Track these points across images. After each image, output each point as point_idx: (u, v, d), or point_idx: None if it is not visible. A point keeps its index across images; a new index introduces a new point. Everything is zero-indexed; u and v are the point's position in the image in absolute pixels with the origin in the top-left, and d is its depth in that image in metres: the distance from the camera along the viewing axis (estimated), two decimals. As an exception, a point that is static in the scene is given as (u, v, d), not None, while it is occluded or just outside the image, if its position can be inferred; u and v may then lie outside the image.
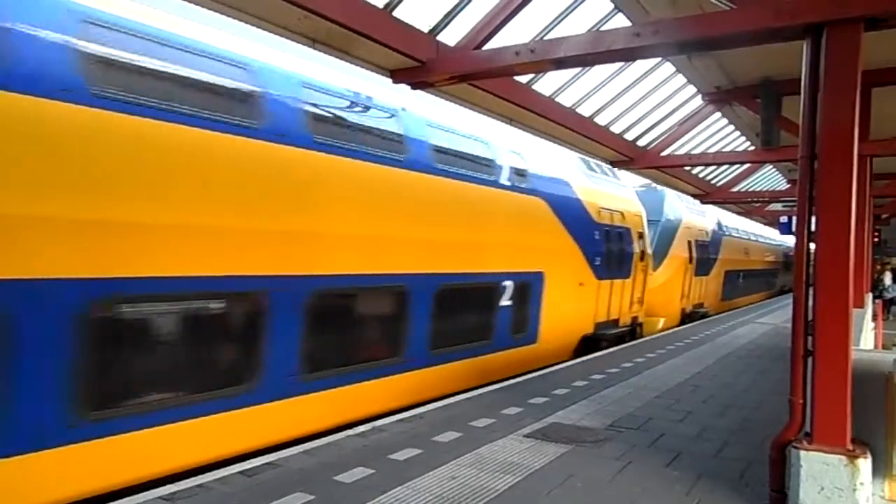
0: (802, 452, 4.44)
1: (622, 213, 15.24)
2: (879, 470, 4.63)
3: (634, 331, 16.26)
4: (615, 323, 15.00)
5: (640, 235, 16.29)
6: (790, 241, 36.71)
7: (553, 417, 7.41)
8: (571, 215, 12.80)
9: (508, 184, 10.93)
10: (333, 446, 6.18)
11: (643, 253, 16.36)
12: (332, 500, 4.88)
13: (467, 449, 6.13)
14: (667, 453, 6.13)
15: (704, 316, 22.51)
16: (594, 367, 10.76)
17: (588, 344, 13.61)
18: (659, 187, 18.91)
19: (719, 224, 25.82)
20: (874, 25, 4.57)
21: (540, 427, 6.99)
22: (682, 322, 20.33)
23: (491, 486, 5.17)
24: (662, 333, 16.72)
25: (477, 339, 10.31)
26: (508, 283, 10.70)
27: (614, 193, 15.39)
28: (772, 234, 38.11)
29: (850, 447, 4.39)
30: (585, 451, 6.19)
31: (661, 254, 19.45)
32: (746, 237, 31.43)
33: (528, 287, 11.38)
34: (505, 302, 10.73)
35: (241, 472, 5.43)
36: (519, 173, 11.29)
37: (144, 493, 4.94)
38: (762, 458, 5.03)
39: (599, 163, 13.99)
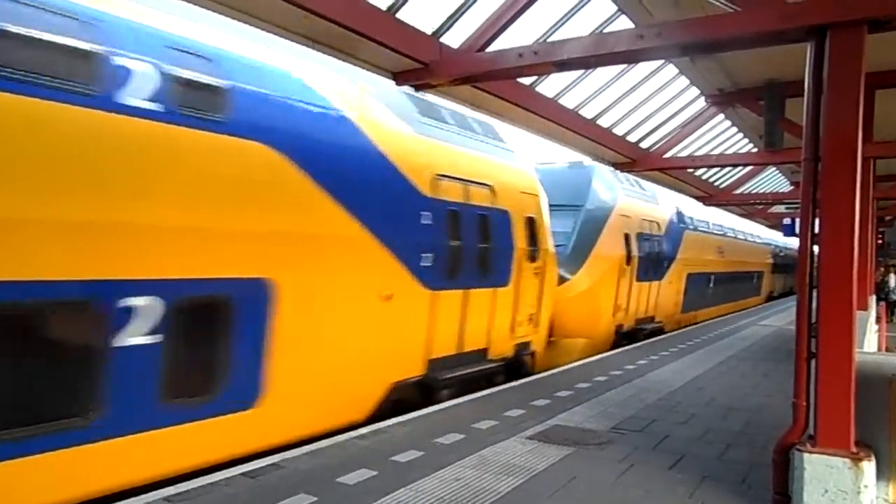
0: (806, 455, 4.43)
1: (492, 188, 9.91)
2: (883, 473, 4.62)
3: (521, 364, 11.05)
4: (479, 355, 9.85)
5: (531, 223, 10.97)
6: (781, 238, 34.46)
7: (556, 419, 7.41)
8: (358, 182, 7.49)
9: (158, 108, 5.60)
10: (337, 448, 6.19)
11: (538, 249, 11.09)
12: (335, 501, 4.88)
13: (470, 451, 6.13)
14: (670, 456, 6.12)
15: (656, 333, 17.10)
16: (597, 370, 10.74)
17: (422, 391, 8.64)
18: (588, 163, 14.11)
19: (679, 214, 19.88)
20: (877, 27, 4.57)
21: (543, 429, 6.98)
22: (619, 344, 14.83)
23: (494, 488, 5.17)
24: (592, 359, 12.33)
25: (29, 420, 4.86)
26: (140, 303, 5.39)
27: (477, 155, 10.02)
28: (758, 231, 32.94)
29: (854, 450, 4.38)
30: (588, 453, 6.18)
31: (581, 252, 14.11)
32: (721, 232, 25.03)
33: (221, 307, 6.02)
34: (134, 338, 5.37)
35: (244, 474, 5.43)
36: (195, 88, 5.97)
37: (148, 494, 4.94)
38: (766, 461, 5.02)
39: (464, 114, 9.96)
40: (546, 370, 10.98)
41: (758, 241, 32.61)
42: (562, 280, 13.00)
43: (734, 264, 26.27)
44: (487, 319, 9.98)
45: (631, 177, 15.35)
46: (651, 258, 17.04)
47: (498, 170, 10.50)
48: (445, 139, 9.40)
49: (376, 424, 7.04)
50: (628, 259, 15.52)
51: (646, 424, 7.28)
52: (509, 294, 10.44)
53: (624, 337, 15.64)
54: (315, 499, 4.90)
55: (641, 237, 16.49)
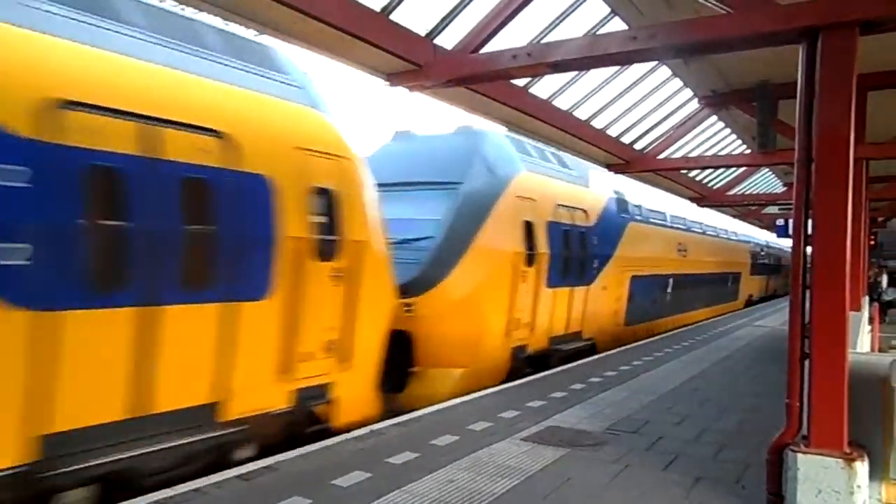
0: (800, 455, 4.44)
1: (224, 136, 6.14)
2: (876, 473, 4.64)
3: (310, 419, 7.12)
4: (197, 416, 5.98)
5: (328, 200, 7.21)
6: (762, 235, 32.47)
7: (550, 421, 7.40)
8: None
9: None
10: (330, 450, 6.17)
11: (339, 240, 7.27)
12: (329, 503, 4.88)
13: (465, 452, 6.12)
14: (664, 456, 6.13)
15: (585, 353, 13.11)
16: (592, 371, 10.74)
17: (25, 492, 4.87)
18: (484, 128, 11.40)
19: (620, 202, 15.95)
20: (869, 29, 4.60)
21: (537, 430, 6.98)
22: (519, 372, 10.99)
23: (488, 490, 5.16)
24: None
25: None
26: None
27: (190, 79, 6.16)
28: (734, 226, 28.76)
29: (848, 450, 4.39)
30: (583, 454, 6.18)
31: (455, 246, 10.23)
32: (683, 226, 20.94)
33: None
34: None
35: (238, 476, 5.42)
36: None
37: (142, 497, 4.92)
38: (760, 461, 5.03)
39: (179, 12, 6.51)
40: (378, 422, 7.40)
41: (734, 237, 28.68)
42: (425, 285, 9.83)
43: (702, 264, 22.42)
44: (216, 355, 6.04)
45: (550, 149, 12.24)
46: (572, 256, 13.04)
47: (246, 109, 6.54)
48: (89, 40, 5.45)
49: (371, 426, 7.03)
50: (531, 257, 11.49)
51: (640, 425, 7.28)
52: (270, 311, 6.53)
53: (530, 362, 11.57)
54: (309, 501, 4.88)
55: (555, 228, 12.39)
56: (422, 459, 5.90)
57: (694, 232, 22.30)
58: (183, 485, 5.20)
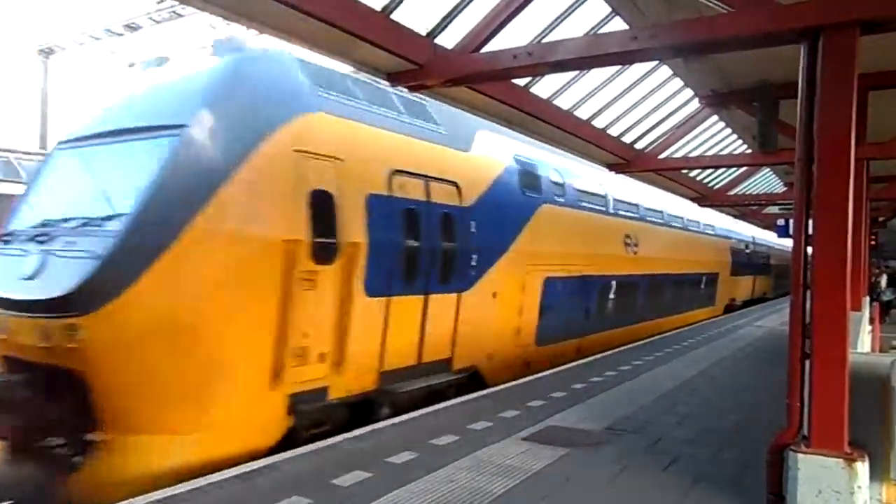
0: (800, 456, 4.43)
1: None
2: (877, 473, 4.63)
3: None
4: None
5: None
6: (747, 229, 29.29)
7: (550, 420, 7.40)
8: None
9: None
10: (330, 450, 6.17)
11: None
12: (329, 503, 4.86)
13: (465, 452, 6.12)
14: (664, 457, 6.12)
15: (464, 390, 9.35)
16: (592, 371, 10.74)
17: None
18: (257, 45, 7.92)
19: (526, 174, 11.71)
20: (870, 29, 4.59)
21: (537, 430, 6.98)
22: (298, 435, 7.06)
23: (488, 490, 5.16)
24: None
25: None
26: None
27: None
28: (709, 217, 23.26)
29: (848, 450, 4.38)
30: (583, 454, 6.18)
31: (162, 228, 6.19)
32: (634, 215, 16.54)
33: None
34: None
35: (237, 476, 5.42)
36: None
37: (140, 498, 4.92)
38: (759, 462, 5.02)
39: None
40: None
41: (709, 232, 23.59)
42: (103, 294, 5.96)
43: (661, 263, 17.68)
44: None
45: (399, 91, 8.48)
46: (426, 248, 8.91)
47: None
48: None
49: (371, 426, 7.03)
50: (327, 248, 7.39)
51: (640, 425, 7.28)
52: None
53: (338, 412, 7.74)
54: (310, 501, 4.88)
55: (387, 205, 8.31)
56: (422, 459, 5.90)
57: (650, 222, 17.47)
58: (182, 484, 5.20)
